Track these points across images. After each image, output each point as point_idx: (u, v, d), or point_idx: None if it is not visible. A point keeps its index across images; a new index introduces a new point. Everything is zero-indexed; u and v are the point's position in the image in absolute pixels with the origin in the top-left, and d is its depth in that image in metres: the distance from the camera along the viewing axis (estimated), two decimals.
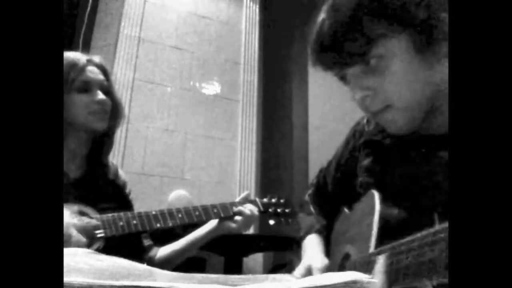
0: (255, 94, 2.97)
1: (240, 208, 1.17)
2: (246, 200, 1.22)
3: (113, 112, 1.16)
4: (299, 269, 0.88)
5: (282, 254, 2.67)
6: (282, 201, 1.30)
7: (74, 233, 0.97)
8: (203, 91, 2.81)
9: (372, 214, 0.70)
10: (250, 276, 0.62)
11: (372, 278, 0.49)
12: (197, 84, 2.79)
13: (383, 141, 0.85)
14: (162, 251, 1.21)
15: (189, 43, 2.81)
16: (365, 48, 0.68)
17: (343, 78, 0.78)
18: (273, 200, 1.29)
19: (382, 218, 0.69)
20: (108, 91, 1.15)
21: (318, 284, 0.48)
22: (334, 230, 1.00)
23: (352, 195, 1.03)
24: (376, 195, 0.73)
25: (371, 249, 0.66)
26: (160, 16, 2.76)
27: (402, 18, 0.68)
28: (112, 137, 1.21)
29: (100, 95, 1.11)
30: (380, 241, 0.65)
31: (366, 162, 0.89)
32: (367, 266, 0.60)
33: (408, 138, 0.78)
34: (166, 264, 1.17)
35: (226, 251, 2.15)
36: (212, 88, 2.84)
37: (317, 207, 1.07)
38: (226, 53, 2.93)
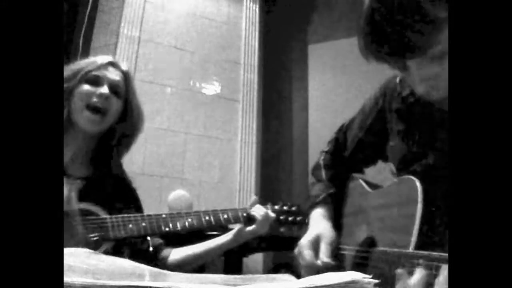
0: (255, 94, 2.97)
1: (250, 213, 1.16)
2: (255, 205, 1.20)
3: (124, 116, 1.17)
4: (306, 237, 0.84)
5: (282, 254, 2.67)
6: (294, 208, 1.27)
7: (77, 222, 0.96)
8: (203, 91, 2.80)
9: (414, 205, 0.66)
10: (250, 276, 0.62)
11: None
12: (197, 84, 2.79)
13: (425, 110, 0.78)
14: (177, 254, 1.19)
15: (189, 43, 2.81)
16: (434, 38, 0.61)
17: (401, 68, 0.70)
18: (285, 208, 1.25)
19: (425, 211, 0.64)
20: (122, 94, 1.16)
21: (317, 284, 0.48)
22: (348, 203, 0.95)
23: (373, 158, 0.96)
24: (418, 184, 0.68)
25: (412, 246, 0.63)
26: (160, 16, 2.76)
27: None
28: (126, 140, 1.20)
29: (104, 90, 1.10)
30: (420, 236, 0.62)
31: (400, 126, 0.84)
32: (406, 266, 0.57)
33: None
34: (180, 267, 1.14)
35: (226, 251, 2.14)
36: (212, 88, 2.84)
37: (329, 171, 1.03)
38: (226, 53, 2.93)
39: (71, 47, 2.58)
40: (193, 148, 2.67)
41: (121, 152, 1.21)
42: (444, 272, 0.50)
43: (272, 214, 1.18)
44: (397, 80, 0.88)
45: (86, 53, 2.56)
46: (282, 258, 2.68)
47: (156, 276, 0.57)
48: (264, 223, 1.15)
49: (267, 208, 1.20)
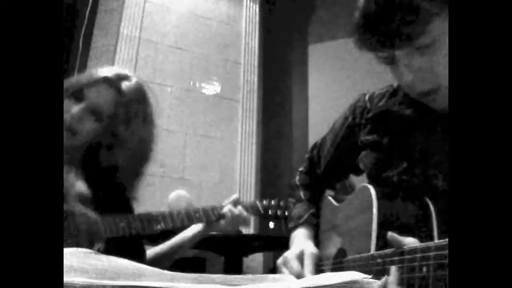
0: (255, 94, 2.97)
1: (221, 211, 1.17)
2: (235, 202, 1.21)
3: (110, 144, 1.09)
4: (292, 251, 0.85)
5: (282, 254, 2.67)
6: (282, 203, 1.29)
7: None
8: (203, 91, 2.80)
9: (370, 210, 0.69)
10: (250, 276, 0.62)
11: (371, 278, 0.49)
12: (197, 84, 2.79)
13: (402, 111, 0.83)
14: (148, 253, 1.19)
15: (189, 43, 2.81)
16: (422, 28, 0.65)
17: (389, 60, 0.74)
18: (273, 203, 1.28)
19: (380, 214, 0.68)
20: (104, 118, 1.05)
21: (317, 284, 0.48)
22: (321, 220, 0.99)
23: (345, 173, 1.01)
24: (372, 190, 0.72)
25: (372, 249, 0.65)
26: (160, 16, 2.76)
27: None
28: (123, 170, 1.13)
29: (77, 108, 1.03)
30: (379, 238, 0.65)
31: (371, 137, 0.88)
32: (371, 268, 0.59)
33: (430, 113, 0.77)
34: (153, 265, 1.16)
35: (226, 251, 2.14)
36: (212, 88, 2.84)
37: (307, 191, 1.06)
38: (226, 53, 2.93)
39: (71, 47, 2.58)
40: (193, 148, 2.67)
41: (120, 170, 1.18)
42: (393, 272, 0.51)
43: (245, 213, 1.18)
44: (366, 97, 0.93)
45: (86, 53, 2.56)
46: None
47: (155, 276, 0.57)
48: (233, 221, 1.16)
49: (254, 204, 1.22)
